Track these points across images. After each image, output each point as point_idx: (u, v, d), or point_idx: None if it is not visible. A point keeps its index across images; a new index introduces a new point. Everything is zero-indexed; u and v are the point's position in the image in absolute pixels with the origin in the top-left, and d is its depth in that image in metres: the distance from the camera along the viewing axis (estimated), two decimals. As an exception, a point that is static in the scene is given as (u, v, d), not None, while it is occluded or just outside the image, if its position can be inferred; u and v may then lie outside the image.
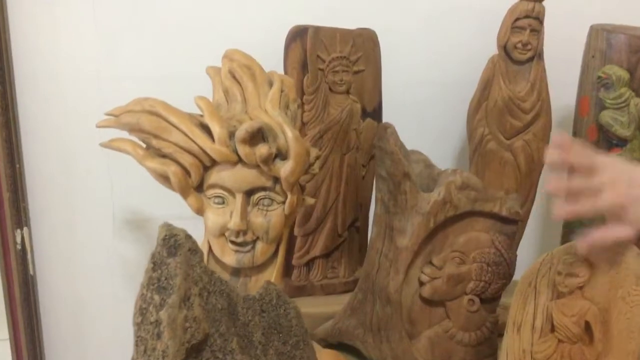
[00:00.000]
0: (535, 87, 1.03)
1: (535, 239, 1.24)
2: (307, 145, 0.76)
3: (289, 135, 0.73)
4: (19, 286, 1.05)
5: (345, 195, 1.04)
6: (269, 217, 0.76)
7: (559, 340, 0.78)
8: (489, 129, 1.04)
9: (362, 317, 0.92)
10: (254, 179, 0.75)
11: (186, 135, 0.73)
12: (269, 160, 0.73)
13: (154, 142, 0.74)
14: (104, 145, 0.78)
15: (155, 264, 0.52)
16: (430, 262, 0.86)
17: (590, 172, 0.66)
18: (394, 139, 0.84)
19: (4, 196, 1.00)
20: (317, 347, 0.83)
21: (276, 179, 0.75)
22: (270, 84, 0.79)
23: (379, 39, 1.02)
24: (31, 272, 1.07)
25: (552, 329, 0.78)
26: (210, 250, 0.79)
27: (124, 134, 0.76)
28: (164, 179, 0.75)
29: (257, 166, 0.74)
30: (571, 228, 1.01)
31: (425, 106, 1.16)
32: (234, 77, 0.80)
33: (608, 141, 0.99)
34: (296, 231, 1.03)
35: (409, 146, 0.90)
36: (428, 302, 0.88)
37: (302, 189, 0.81)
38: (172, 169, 0.74)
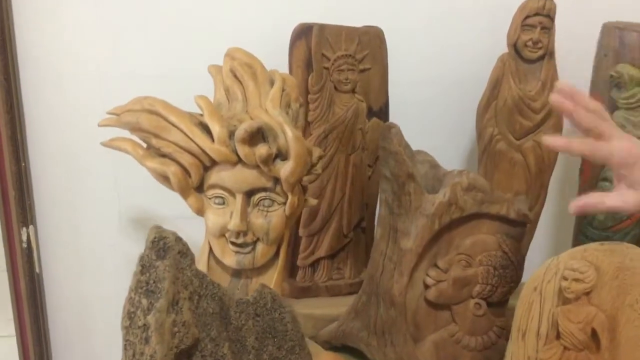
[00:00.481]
0: (546, 86, 1.00)
1: (545, 241, 1.22)
2: (308, 145, 0.75)
3: (289, 135, 0.72)
4: (25, 284, 1.05)
5: (350, 196, 1.03)
6: (269, 218, 0.76)
7: (565, 348, 0.76)
8: (498, 129, 1.03)
9: (366, 320, 0.91)
10: (254, 179, 0.74)
11: (186, 134, 0.73)
12: (268, 160, 0.72)
13: (154, 142, 0.74)
14: (105, 144, 0.78)
15: (144, 267, 0.52)
16: (436, 265, 0.85)
17: (600, 136, 0.69)
18: (398, 139, 0.83)
19: (9, 194, 1.01)
20: (317, 349, 0.83)
21: (277, 180, 0.75)
22: (272, 83, 0.78)
23: (386, 36, 1.00)
24: (37, 270, 1.08)
25: (558, 336, 0.76)
26: (211, 251, 0.79)
27: (127, 133, 0.76)
28: (164, 178, 0.75)
29: (257, 166, 0.73)
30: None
31: (433, 105, 1.15)
32: (235, 75, 0.79)
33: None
34: (301, 231, 1.03)
35: (416, 146, 0.88)
36: (433, 305, 0.87)
37: (304, 189, 0.80)
38: (171, 169, 0.73)
